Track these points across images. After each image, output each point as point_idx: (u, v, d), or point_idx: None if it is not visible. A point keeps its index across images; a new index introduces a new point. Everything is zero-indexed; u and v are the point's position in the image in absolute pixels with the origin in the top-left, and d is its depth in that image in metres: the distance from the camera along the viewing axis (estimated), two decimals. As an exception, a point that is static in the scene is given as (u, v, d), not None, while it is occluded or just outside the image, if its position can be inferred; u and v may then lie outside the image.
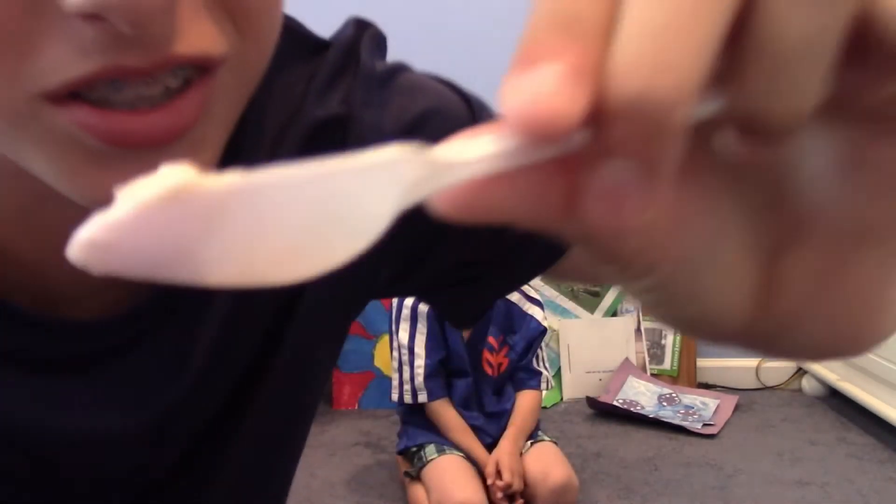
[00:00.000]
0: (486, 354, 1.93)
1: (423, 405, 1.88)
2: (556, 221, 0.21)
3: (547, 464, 1.80)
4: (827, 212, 0.23)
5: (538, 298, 2.00)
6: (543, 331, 1.96)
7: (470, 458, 1.83)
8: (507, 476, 1.75)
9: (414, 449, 1.89)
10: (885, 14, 0.19)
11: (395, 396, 1.91)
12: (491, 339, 1.93)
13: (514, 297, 1.96)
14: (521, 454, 1.84)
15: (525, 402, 1.92)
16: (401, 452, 1.95)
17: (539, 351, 1.96)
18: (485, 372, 1.94)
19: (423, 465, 1.83)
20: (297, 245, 0.20)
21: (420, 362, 1.87)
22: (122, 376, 0.47)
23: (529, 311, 1.96)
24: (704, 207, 0.23)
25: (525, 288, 1.98)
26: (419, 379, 1.87)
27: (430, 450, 1.85)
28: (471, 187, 0.19)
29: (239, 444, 0.52)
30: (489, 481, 1.76)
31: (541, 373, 1.96)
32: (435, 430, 1.88)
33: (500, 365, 1.94)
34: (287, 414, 0.55)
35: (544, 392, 1.98)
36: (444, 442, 1.86)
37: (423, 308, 1.89)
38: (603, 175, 0.19)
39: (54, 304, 0.44)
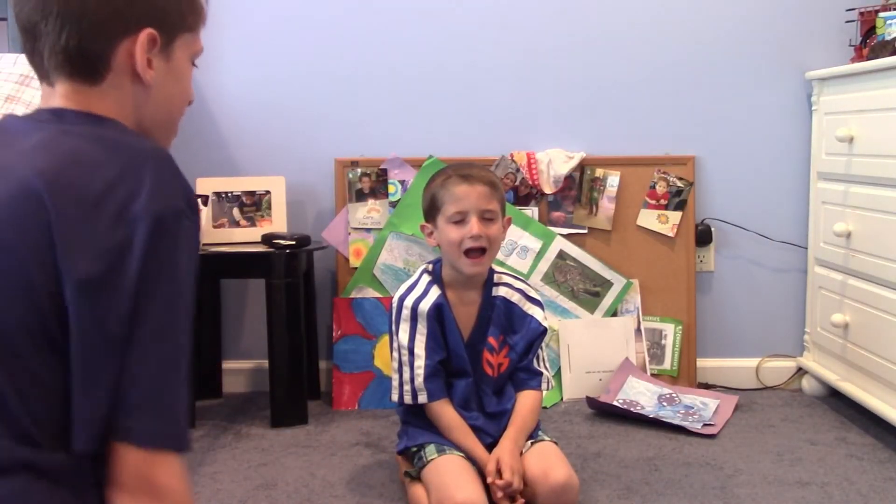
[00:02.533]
0: (486, 355, 1.93)
1: (423, 405, 1.88)
2: None
3: (547, 463, 1.79)
4: None
5: (538, 299, 1.99)
6: (543, 331, 1.95)
7: (470, 458, 1.83)
8: (507, 475, 1.74)
9: (414, 449, 1.89)
10: None
11: (394, 397, 1.90)
12: (491, 340, 1.93)
13: (515, 297, 1.95)
14: (521, 453, 1.84)
15: (525, 402, 1.91)
16: (401, 452, 1.95)
17: (540, 351, 1.96)
18: (485, 372, 1.93)
19: (424, 465, 1.83)
20: None
21: (420, 363, 1.86)
22: None
23: (530, 312, 1.95)
24: None
25: (525, 288, 1.98)
26: (419, 380, 1.86)
27: (431, 450, 1.84)
28: None
29: None
30: (489, 480, 1.76)
31: (541, 373, 1.95)
32: (435, 430, 1.87)
33: (500, 365, 1.94)
34: None
35: (545, 392, 1.98)
36: (445, 442, 1.85)
37: (424, 308, 1.88)
38: None
39: None
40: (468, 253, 1.85)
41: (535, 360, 1.94)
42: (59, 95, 0.95)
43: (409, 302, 1.89)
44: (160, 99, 0.99)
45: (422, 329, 1.88)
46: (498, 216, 1.87)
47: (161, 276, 0.84)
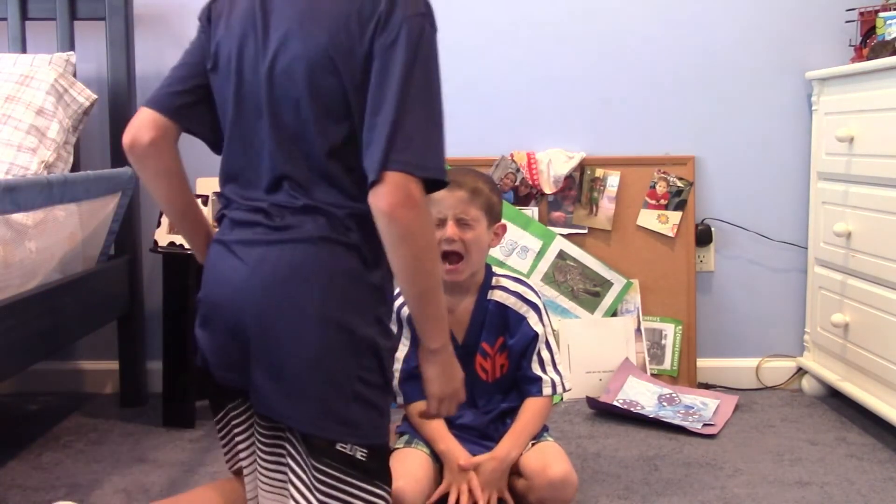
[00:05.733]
0: (479, 359, 1.92)
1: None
2: None
3: (547, 459, 1.79)
4: None
5: (535, 302, 1.93)
6: (535, 336, 1.91)
7: (439, 457, 1.86)
8: (482, 502, 1.77)
9: (398, 434, 1.95)
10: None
11: None
12: (485, 345, 1.92)
13: (510, 301, 1.91)
14: (520, 455, 1.84)
15: (524, 410, 1.90)
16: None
17: (544, 354, 1.91)
18: (478, 377, 1.93)
19: (394, 449, 1.88)
20: None
21: (397, 366, 1.91)
22: None
23: (525, 315, 1.92)
24: None
25: (523, 291, 1.92)
26: (394, 382, 1.91)
27: (403, 440, 1.91)
28: None
29: None
30: (454, 487, 1.78)
31: (540, 378, 1.92)
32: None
33: (502, 367, 1.93)
34: None
35: (553, 394, 1.95)
36: (418, 438, 1.89)
37: (404, 313, 1.90)
38: None
39: None
40: (445, 257, 1.85)
41: (533, 366, 1.92)
42: None
43: (395, 305, 1.91)
44: None
45: (407, 333, 1.92)
46: (478, 222, 1.85)
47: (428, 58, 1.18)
